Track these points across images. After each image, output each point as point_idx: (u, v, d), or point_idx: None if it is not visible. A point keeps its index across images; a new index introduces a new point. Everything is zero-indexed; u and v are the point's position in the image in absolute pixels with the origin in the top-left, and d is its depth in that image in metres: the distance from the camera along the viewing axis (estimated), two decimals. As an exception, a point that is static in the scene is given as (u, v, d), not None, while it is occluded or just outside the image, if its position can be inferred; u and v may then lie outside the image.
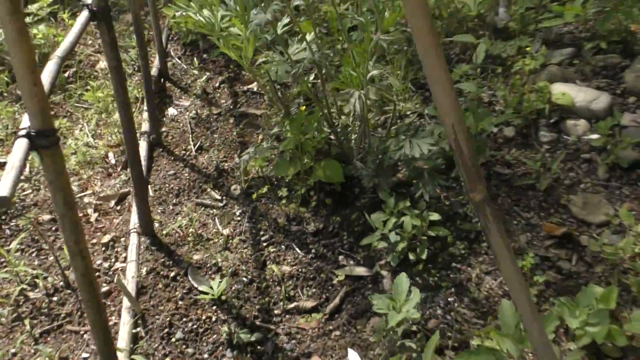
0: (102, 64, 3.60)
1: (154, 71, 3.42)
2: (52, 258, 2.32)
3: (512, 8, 3.28)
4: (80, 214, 2.57)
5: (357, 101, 2.14)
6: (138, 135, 2.89)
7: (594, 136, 2.62)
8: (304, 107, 2.35)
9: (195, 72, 3.50)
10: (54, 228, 2.51)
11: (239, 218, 2.51)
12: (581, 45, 3.06)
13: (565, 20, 3.04)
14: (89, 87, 3.36)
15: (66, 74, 3.51)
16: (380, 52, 2.60)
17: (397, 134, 2.38)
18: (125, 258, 2.29)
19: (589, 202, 2.41)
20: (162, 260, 2.30)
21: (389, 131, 2.56)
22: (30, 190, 2.73)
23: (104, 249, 2.39)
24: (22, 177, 2.79)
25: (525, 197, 2.49)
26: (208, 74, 3.48)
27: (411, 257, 2.20)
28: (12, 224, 2.55)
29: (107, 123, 3.06)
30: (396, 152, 2.33)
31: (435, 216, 2.25)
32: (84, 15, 1.78)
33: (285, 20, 2.55)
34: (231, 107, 3.19)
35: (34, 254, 2.39)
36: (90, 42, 3.88)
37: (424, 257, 2.18)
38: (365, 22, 1.95)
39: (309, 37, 2.41)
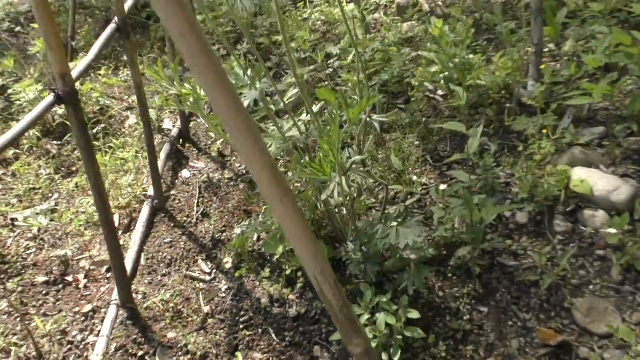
0: (131, 120, 3.69)
1: (174, 131, 3.47)
2: (34, 324, 2.34)
3: (544, 80, 3.10)
4: (71, 279, 2.59)
5: (335, 190, 2.05)
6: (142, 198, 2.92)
7: (611, 230, 2.40)
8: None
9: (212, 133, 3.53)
10: (44, 292, 2.55)
11: (223, 294, 2.46)
12: (611, 126, 2.85)
13: (594, 99, 2.84)
14: (112, 144, 3.44)
15: (94, 130, 3.62)
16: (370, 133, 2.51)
17: (387, 219, 2.27)
18: (99, 332, 2.28)
19: (594, 308, 2.19)
20: (135, 336, 2.27)
21: (382, 214, 2.45)
22: (34, 249, 2.79)
23: (82, 318, 2.39)
24: (30, 235, 2.86)
25: (527, 294, 2.30)
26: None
27: (384, 357, 2.06)
28: (9, 283, 2.61)
29: (115, 184, 3.10)
30: (382, 239, 2.22)
31: (413, 314, 2.11)
32: (47, 99, 1.80)
33: (292, 91, 2.53)
34: (244, 171, 3.17)
35: (18, 319, 2.42)
36: (125, 97, 4.00)
37: (396, 359, 2.04)
38: (333, 113, 1.87)
39: (303, 116, 2.36)
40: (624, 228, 2.35)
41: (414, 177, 2.95)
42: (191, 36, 0.76)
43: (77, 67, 2.03)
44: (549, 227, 2.55)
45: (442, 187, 2.90)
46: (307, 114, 2.39)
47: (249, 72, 2.38)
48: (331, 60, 3.55)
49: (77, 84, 3.68)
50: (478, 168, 2.85)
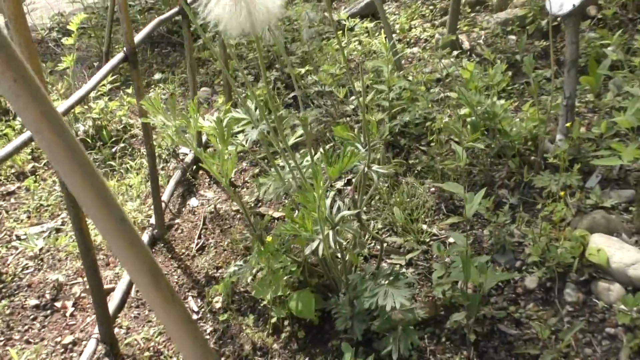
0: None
1: (189, 157, 3.44)
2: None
3: (572, 136, 2.91)
4: (60, 305, 2.56)
5: (320, 247, 1.96)
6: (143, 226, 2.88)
7: (623, 308, 2.21)
8: (270, 238, 2.20)
9: (229, 162, 3.47)
10: (32, 316, 2.53)
11: (207, 337, 2.37)
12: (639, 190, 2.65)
13: (623, 161, 2.64)
14: (127, 166, 3.44)
15: (114, 149, 3.62)
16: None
17: (378, 276, 2.15)
18: (75, 366, 2.24)
19: (595, 394, 2.01)
20: (109, 375, 2.22)
21: (377, 268, 2.33)
22: (32, 269, 2.78)
23: (62, 350, 2.35)
24: (31, 254, 2.86)
25: (525, 370, 2.14)
26: (244, 164, 3.43)
27: None
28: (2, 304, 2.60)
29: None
30: (369, 299, 2.10)
31: (394, 383, 1.98)
32: (26, 135, 1.77)
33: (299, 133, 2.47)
34: (252, 205, 3.11)
35: (1, 344, 2.40)
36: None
37: None
38: (315, 171, 1.78)
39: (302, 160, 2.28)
40: (638, 307, 2.16)
41: (424, 227, 2.82)
42: (50, 135, 0.69)
43: (65, 102, 2.00)
44: (558, 296, 2.38)
45: (453, 239, 2.77)
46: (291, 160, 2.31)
47: (257, 111, 2.32)
48: (352, 98, 3.46)
49: (100, 101, 3.71)
50: (491, 224, 2.70)
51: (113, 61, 2.36)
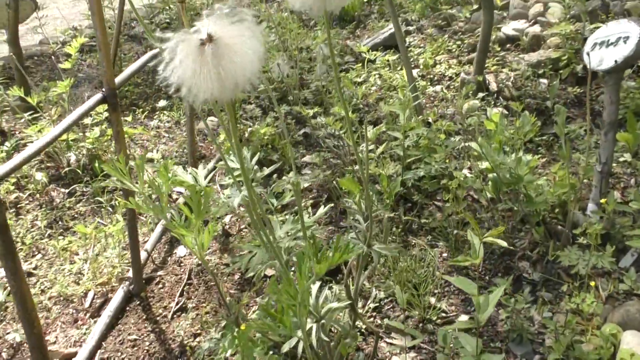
0: (146, 176, 3.41)
1: (182, 200, 3.17)
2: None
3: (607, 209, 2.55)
4: (16, 369, 2.29)
5: (299, 345, 1.65)
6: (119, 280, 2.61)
7: None
8: (245, 325, 1.89)
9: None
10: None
11: None
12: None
13: (664, 244, 2.30)
14: (116, 202, 3.18)
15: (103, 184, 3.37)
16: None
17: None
18: None
19: None
20: None
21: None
22: (-6, 322, 2.52)
23: None
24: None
25: None
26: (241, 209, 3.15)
27: None
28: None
29: (97, 260, 2.79)
30: (357, 403, 1.79)
31: None
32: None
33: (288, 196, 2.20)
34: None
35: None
36: (152, 146, 3.75)
37: None
38: (300, 258, 1.47)
39: (284, 226, 1.99)
40: None
41: (432, 300, 2.50)
42: None
43: (9, 162, 1.73)
44: (584, 401, 2.04)
45: (464, 317, 2.45)
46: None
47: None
48: (361, 147, 3.17)
49: (96, 129, 3.45)
50: (507, 307, 2.37)
51: (88, 103, 2.10)
